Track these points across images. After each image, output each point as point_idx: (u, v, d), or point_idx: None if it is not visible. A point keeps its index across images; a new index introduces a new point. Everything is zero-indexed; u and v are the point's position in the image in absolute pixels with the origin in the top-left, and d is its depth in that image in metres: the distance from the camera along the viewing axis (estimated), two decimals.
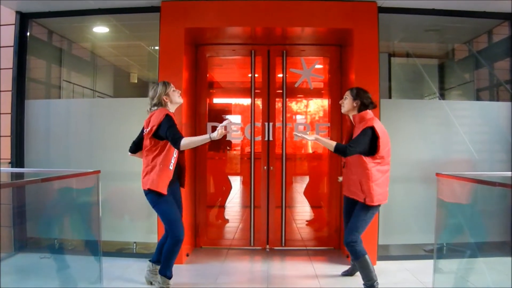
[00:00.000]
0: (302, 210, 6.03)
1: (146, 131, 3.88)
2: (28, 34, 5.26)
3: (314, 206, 5.99)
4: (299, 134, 3.95)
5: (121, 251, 5.23)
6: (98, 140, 5.22)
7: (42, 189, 4.83)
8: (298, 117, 6.02)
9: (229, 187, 6.03)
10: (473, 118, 5.32)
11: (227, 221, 6.03)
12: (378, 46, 4.91)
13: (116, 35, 5.85)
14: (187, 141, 3.67)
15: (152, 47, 5.77)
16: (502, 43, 5.47)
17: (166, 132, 3.71)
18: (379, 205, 3.98)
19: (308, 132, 5.55)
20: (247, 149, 5.68)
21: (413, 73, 5.86)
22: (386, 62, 5.64)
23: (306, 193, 5.96)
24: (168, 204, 3.89)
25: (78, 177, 3.63)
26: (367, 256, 3.95)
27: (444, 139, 5.24)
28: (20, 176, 4.75)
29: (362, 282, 4.00)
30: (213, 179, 5.88)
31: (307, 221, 5.99)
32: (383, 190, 3.92)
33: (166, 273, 3.97)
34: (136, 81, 6.62)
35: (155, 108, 3.94)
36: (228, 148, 5.94)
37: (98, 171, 3.68)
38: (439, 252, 4.05)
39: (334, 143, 3.82)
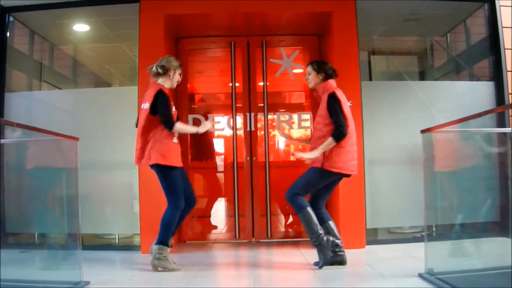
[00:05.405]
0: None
1: (145, 106, 3.84)
2: (7, 29, 5.21)
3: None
4: (299, 155, 3.97)
5: (103, 243, 5.14)
6: (81, 131, 5.05)
7: (21, 181, 4.74)
8: (280, 109, 6.02)
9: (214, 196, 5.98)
10: (455, 98, 5.28)
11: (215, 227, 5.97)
12: (357, 31, 4.93)
13: (97, 34, 5.85)
14: (179, 127, 3.85)
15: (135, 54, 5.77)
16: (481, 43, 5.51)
17: (163, 111, 3.78)
18: (336, 175, 3.84)
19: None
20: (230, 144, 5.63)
21: (393, 66, 5.94)
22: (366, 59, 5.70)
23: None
24: (177, 178, 3.89)
25: (57, 137, 3.49)
26: (309, 209, 3.81)
27: (426, 120, 5.19)
28: None
29: (310, 240, 3.86)
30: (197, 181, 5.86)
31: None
32: (346, 159, 3.80)
33: (166, 241, 3.86)
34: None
35: (156, 73, 3.93)
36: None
37: (77, 138, 3.60)
38: (429, 230, 3.99)
39: (330, 139, 3.73)
